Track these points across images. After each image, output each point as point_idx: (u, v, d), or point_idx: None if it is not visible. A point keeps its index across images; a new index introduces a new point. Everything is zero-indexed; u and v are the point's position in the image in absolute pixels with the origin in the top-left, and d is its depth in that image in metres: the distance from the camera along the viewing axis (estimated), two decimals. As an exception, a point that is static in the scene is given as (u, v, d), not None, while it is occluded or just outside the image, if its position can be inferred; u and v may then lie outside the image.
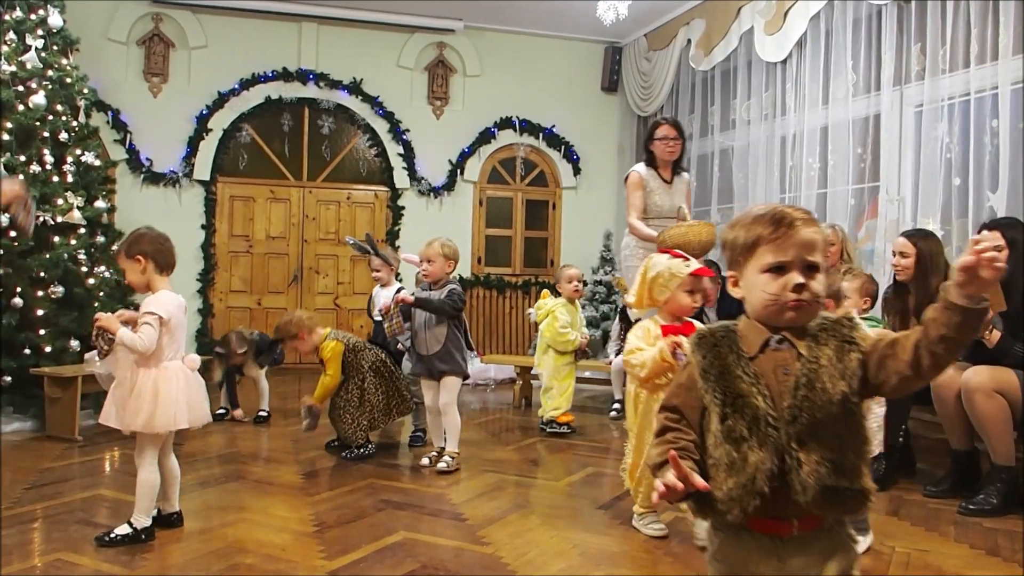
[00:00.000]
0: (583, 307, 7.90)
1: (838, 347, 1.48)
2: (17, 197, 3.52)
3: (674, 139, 5.27)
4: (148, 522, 3.04)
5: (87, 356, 4.95)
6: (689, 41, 7.71)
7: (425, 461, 4.27)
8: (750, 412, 1.46)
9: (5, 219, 5.07)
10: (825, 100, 6.07)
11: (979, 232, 3.92)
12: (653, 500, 1.79)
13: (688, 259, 3.14)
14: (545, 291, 5.66)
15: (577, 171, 9.15)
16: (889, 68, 5.48)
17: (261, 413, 5.44)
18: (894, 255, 4.20)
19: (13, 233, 3.84)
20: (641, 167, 5.37)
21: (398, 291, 5.55)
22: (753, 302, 1.55)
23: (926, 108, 5.21)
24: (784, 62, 6.52)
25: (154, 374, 2.99)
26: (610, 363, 6.04)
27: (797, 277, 1.47)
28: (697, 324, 4.64)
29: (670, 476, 1.42)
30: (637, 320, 3.41)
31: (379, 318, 5.46)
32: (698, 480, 1.42)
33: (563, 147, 9.08)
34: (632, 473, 3.29)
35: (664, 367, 2.93)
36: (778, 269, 1.49)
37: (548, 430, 5.24)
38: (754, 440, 1.45)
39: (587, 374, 6.53)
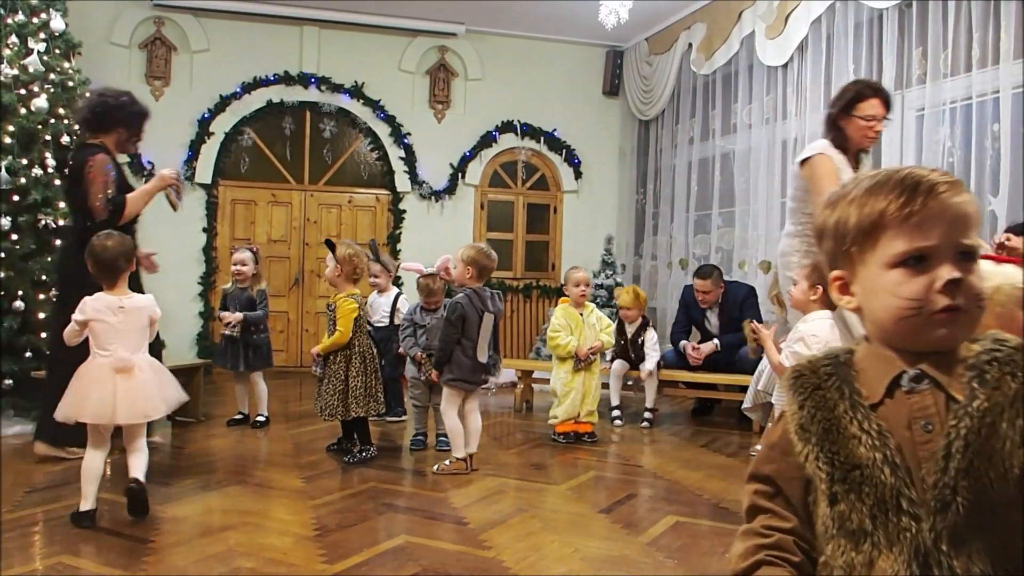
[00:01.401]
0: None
1: (1021, 391, 0.97)
2: (170, 182, 4.43)
3: (883, 119, 3.86)
4: (87, 507, 3.26)
5: None
6: (690, 45, 7.72)
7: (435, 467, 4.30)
8: (873, 492, 0.99)
9: (8, 222, 5.10)
10: (826, 104, 6.07)
11: (1006, 236, 3.84)
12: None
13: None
14: (563, 298, 5.52)
15: (578, 175, 9.16)
16: (890, 72, 5.49)
17: (259, 417, 5.43)
18: None
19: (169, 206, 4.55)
20: (831, 150, 3.84)
21: (396, 297, 5.59)
22: (877, 314, 1.05)
23: (927, 112, 5.22)
24: (785, 66, 6.53)
25: (80, 369, 3.34)
26: (609, 367, 5.97)
27: (949, 271, 0.98)
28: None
29: None
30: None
31: (380, 324, 5.50)
32: None
33: (564, 151, 9.09)
34: None
35: None
36: (917, 260, 1.00)
37: (551, 438, 5.18)
38: (880, 535, 0.98)
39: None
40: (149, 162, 7.84)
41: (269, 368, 5.62)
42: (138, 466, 3.37)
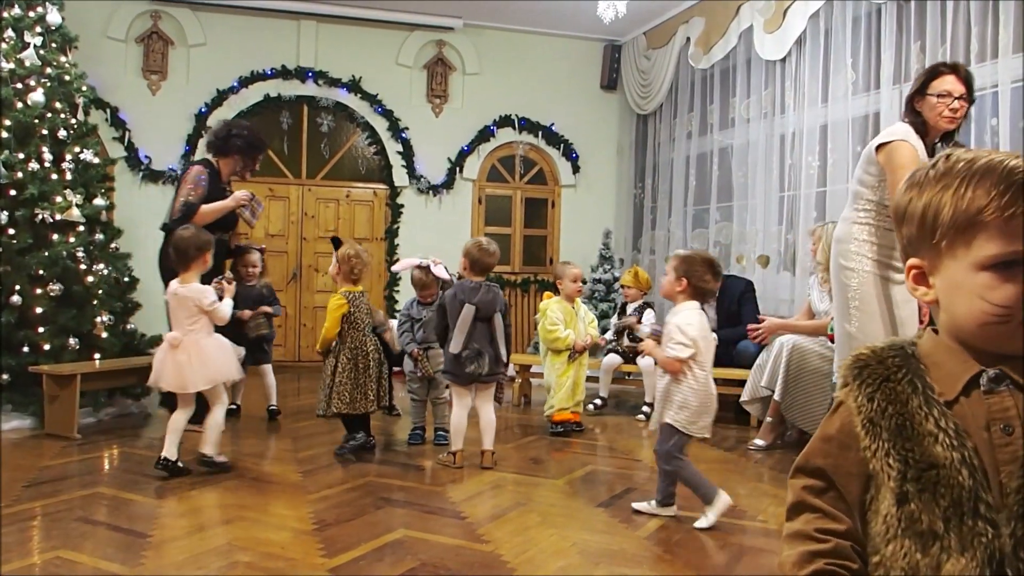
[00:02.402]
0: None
1: None
2: (242, 203, 4.95)
3: (961, 97, 3.51)
4: (167, 455, 3.92)
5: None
6: (688, 39, 7.72)
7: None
8: (949, 493, 0.95)
9: (5, 216, 5.08)
10: (825, 98, 6.08)
11: None
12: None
13: None
14: (548, 292, 5.62)
15: (576, 169, 9.15)
16: (889, 66, 5.48)
17: (273, 407, 5.55)
18: None
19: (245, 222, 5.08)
20: (912, 136, 3.51)
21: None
22: (958, 313, 0.99)
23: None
24: (783, 60, 6.53)
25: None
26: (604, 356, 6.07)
27: None
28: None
29: None
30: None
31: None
32: None
33: (562, 145, 9.08)
34: None
35: None
36: (1008, 265, 0.94)
37: (549, 430, 5.23)
38: (953, 538, 0.94)
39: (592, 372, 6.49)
40: (146, 156, 7.83)
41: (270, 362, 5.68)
42: (206, 440, 3.97)
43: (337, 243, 4.57)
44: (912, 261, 1.04)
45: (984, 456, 0.95)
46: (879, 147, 3.54)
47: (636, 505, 3.53)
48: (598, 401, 6.03)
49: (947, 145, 3.58)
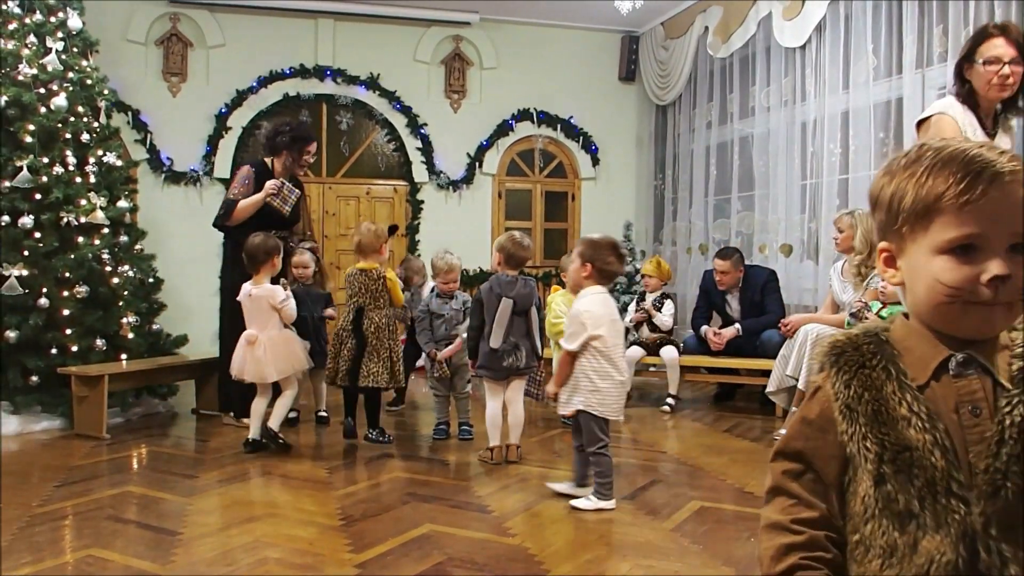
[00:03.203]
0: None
1: None
2: (270, 192, 5.07)
3: (1013, 62, 3.19)
4: (252, 436, 4.48)
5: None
6: (706, 28, 7.66)
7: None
8: (923, 474, 0.99)
9: (31, 220, 5.14)
10: (846, 85, 6.02)
11: None
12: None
13: None
14: (556, 285, 5.60)
15: (596, 162, 9.12)
16: (911, 51, 5.42)
17: (323, 413, 5.42)
18: None
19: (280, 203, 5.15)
20: (955, 108, 3.31)
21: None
22: (918, 295, 1.04)
23: (949, 90, 5.13)
24: (803, 47, 6.46)
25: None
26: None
27: (999, 266, 0.96)
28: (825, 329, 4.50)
29: None
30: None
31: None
32: None
33: (581, 138, 9.05)
34: None
35: None
36: (965, 250, 0.99)
37: (562, 423, 5.23)
38: (928, 517, 0.98)
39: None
40: (168, 158, 7.89)
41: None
42: (273, 416, 4.43)
43: (393, 230, 4.69)
44: (882, 245, 1.09)
45: (955, 437, 0.99)
46: (919, 124, 3.41)
47: (553, 486, 3.65)
48: (630, 394, 5.97)
49: (1011, 115, 3.40)
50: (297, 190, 5.26)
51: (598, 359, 3.42)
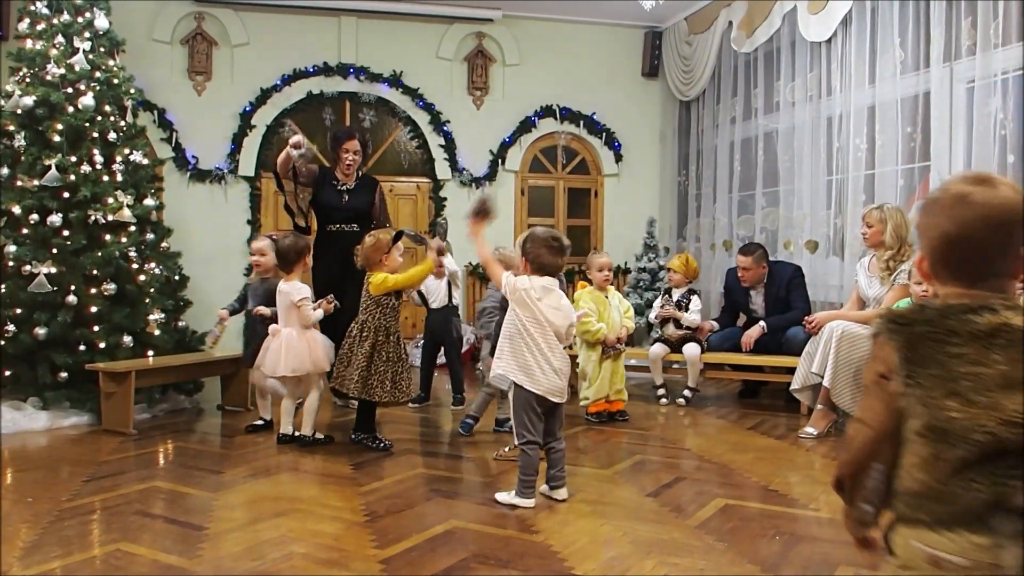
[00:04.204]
0: (627, 295, 7.89)
1: None
2: (290, 146, 5.04)
3: None
4: (283, 430, 4.59)
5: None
6: (730, 23, 7.61)
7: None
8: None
9: (59, 218, 5.20)
10: (872, 79, 5.96)
11: None
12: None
13: None
14: (582, 282, 5.60)
15: (619, 158, 9.10)
16: (938, 44, 5.35)
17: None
18: None
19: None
20: None
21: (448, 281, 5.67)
22: None
23: (978, 84, 5.08)
24: (829, 41, 6.41)
25: None
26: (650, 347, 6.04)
27: None
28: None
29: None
30: None
31: (435, 306, 5.59)
32: None
33: (604, 134, 9.03)
34: None
35: None
36: None
37: (585, 420, 5.22)
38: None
39: (632, 361, 6.44)
40: (193, 156, 7.97)
41: None
42: (304, 424, 4.54)
43: (399, 236, 4.51)
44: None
45: None
46: None
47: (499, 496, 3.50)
48: (662, 391, 5.95)
49: None
50: (302, 149, 5.11)
51: (532, 338, 3.44)
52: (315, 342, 4.59)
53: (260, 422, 5.03)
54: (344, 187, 5.40)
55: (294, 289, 4.55)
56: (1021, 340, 1.24)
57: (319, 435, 4.58)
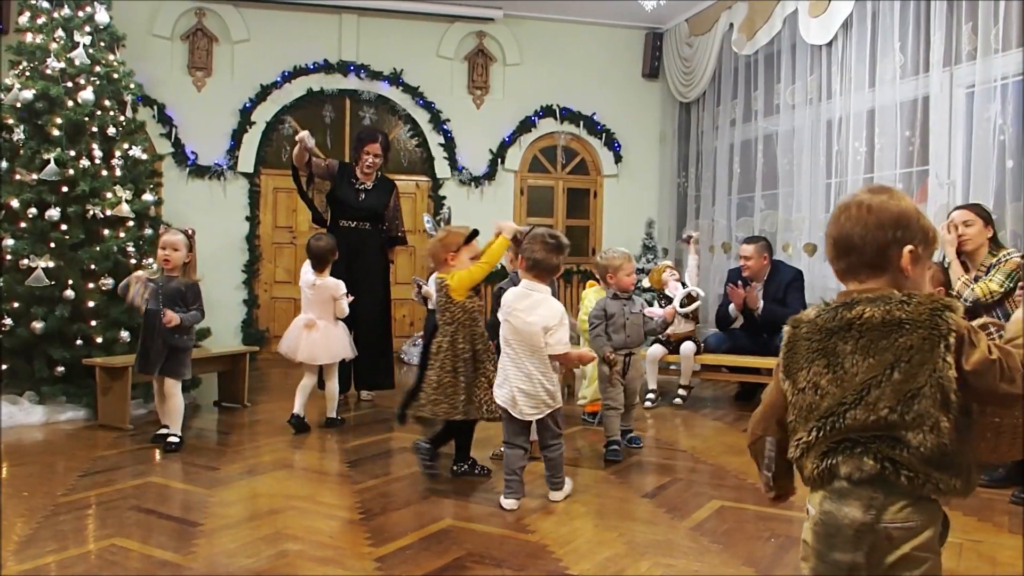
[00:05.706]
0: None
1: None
2: (298, 140, 5.43)
3: None
4: (296, 411, 4.84)
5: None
6: (731, 25, 7.61)
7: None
8: None
9: (57, 212, 5.20)
10: (872, 83, 5.96)
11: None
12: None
13: None
14: (591, 281, 5.58)
15: (618, 159, 9.10)
16: (939, 49, 5.36)
17: (172, 437, 4.48)
18: (952, 229, 4.14)
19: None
20: None
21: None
22: None
23: (978, 89, 5.08)
24: (829, 44, 6.41)
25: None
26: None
27: None
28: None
29: None
30: None
31: (433, 307, 5.55)
32: None
33: (604, 135, 9.03)
34: None
35: None
36: None
37: (582, 420, 5.22)
38: None
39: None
40: (193, 152, 7.96)
41: (185, 379, 4.64)
42: (328, 407, 5.03)
43: (473, 235, 3.98)
44: (909, 248, 1.58)
45: None
46: None
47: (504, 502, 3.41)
48: (651, 395, 5.86)
49: None
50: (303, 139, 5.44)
51: (506, 348, 3.47)
52: (344, 332, 5.07)
53: (165, 431, 4.48)
54: (362, 186, 5.74)
55: (336, 286, 4.91)
56: (873, 330, 1.47)
57: (339, 417, 5.04)
